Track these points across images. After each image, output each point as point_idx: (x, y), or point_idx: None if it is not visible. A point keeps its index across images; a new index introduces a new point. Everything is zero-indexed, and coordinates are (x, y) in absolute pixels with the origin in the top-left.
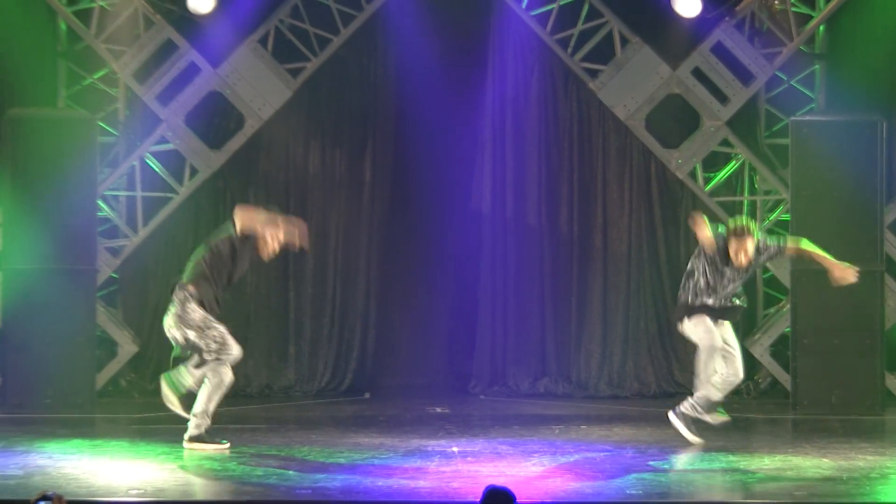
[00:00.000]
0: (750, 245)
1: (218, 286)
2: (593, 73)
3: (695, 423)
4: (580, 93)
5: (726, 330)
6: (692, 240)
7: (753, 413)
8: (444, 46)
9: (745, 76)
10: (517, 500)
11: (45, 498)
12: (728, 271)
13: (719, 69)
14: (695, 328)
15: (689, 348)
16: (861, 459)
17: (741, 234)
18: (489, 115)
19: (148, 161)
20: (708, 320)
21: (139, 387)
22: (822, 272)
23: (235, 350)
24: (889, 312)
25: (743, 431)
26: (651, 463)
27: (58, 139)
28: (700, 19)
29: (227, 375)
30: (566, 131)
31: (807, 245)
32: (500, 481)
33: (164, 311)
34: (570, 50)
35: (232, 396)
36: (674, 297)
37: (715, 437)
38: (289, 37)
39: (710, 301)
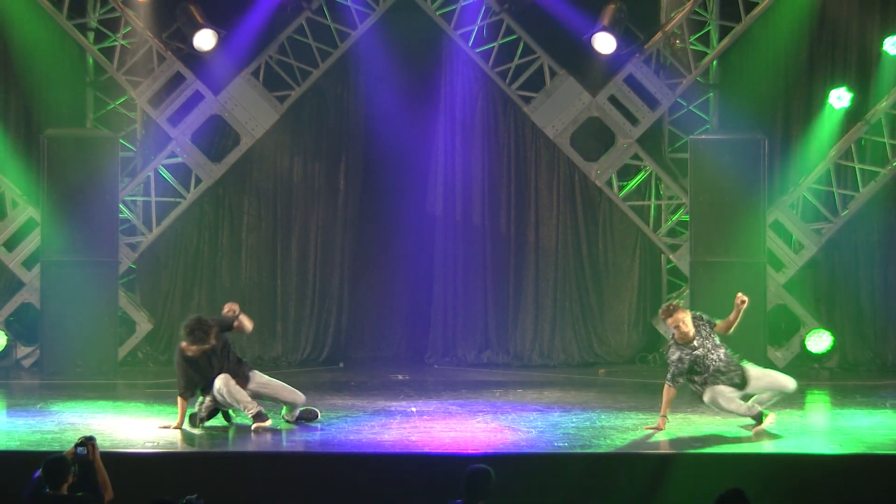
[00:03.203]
0: (681, 316)
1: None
2: (527, 100)
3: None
4: (516, 116)
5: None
6: (609, 236)
7: (659, 379)
8: (405, 77)
9: (652, 102)
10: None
11: (82, 444)
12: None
13: (631, 96)
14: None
15: (608, 325)
16: (746, 418)
17: (668, 312)
18: (442, 134)
19: (160, 172)
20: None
21: (153, 358)
22: (715, 263)
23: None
24: (769, 296)
25: (651, 394)
26: (574, 420)
27: (86, 154)
28: (615, 55)
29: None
30: (505, 147)
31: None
32: (450, 436)
33: (174, 295)
34: (508, 80)
35: None
36: (595, 283)
37: (627, 399)
38: (276, 70)
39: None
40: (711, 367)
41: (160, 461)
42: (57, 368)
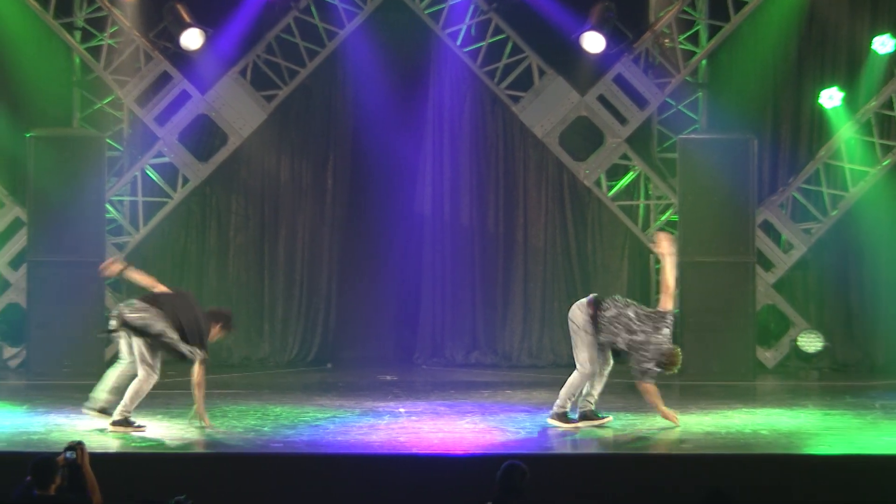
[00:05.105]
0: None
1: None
2: (515, 99)
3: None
4: (505, 115)
5: None
6: (597, 236)
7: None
8: (393, 76)
9: (640, 102)
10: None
11: (71, 448)
12: None
13: (619, 96)
14: None
15: None
16: (736, 417)
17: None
18: (430, 133)
19: (147, 172)
20: None
21: None
22: (704, 263)
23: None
24: (759, 296)
25: (639, 394)
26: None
27: (73, 154)
28: (604, 55)
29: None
30: (493, 147)
31: None
32: (438, 437)
33: None
34: (496, 80)
35: (217, 366)
36: (583, 283)
37: (615, 399)
38: (264, 69)
39: None
40: None
41: (147, 462)
42: (43, 369)
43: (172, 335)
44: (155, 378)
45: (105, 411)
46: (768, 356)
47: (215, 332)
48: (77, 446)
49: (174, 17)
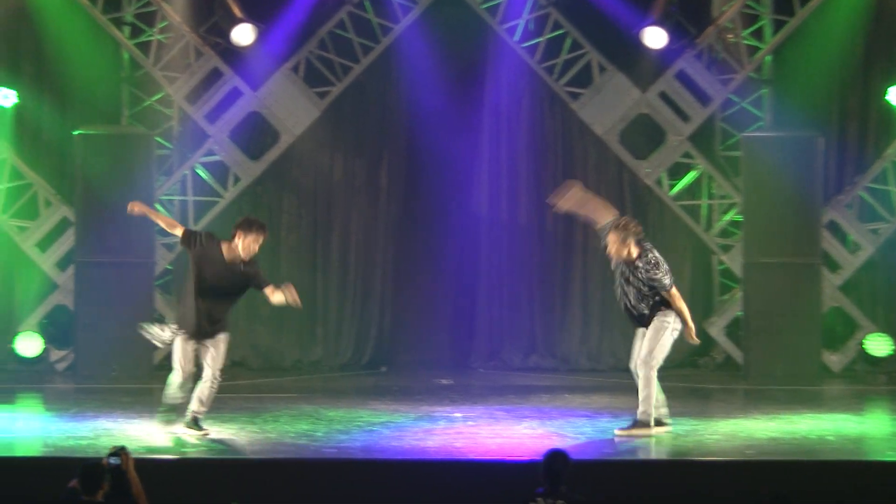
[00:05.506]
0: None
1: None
2: (575, 96)
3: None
4: (564, 112)
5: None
6: (658, 236)
7: (710, 384)
8: (449, 72)
9: (703, 98)
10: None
11: (115, 454)
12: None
13: (682, 92)
14: None
15: None
16: (801, 423)
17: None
18: (487, 131)
19: (197, 170)
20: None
21: None
22: (769, 264)
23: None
24: (825, 299)
25: (702, 399)
26: (623, 426)
27: (121, 152)
28: (665, 50)
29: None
30: (551, 145)
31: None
32: (496, 442)
33: None
34: (555, 76)
35: (269, 369)
36: None
37: (677, 405)
38: (317, 65)
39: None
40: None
41: (197, 468)
42: (91, 372)
43: (178, 350)
44: (178, 379)
45: (196, 421)
46: (834, 360)
47: (238, 244)
48: (121, 451)
49: (225, 12)
